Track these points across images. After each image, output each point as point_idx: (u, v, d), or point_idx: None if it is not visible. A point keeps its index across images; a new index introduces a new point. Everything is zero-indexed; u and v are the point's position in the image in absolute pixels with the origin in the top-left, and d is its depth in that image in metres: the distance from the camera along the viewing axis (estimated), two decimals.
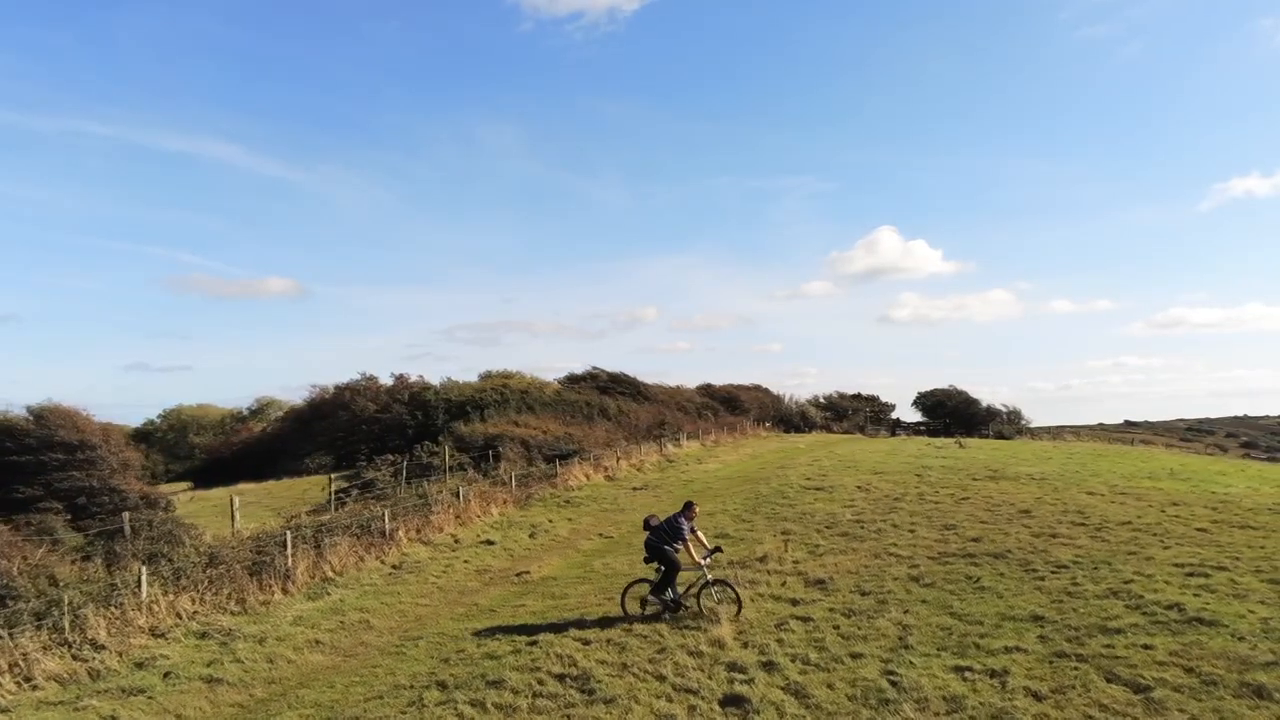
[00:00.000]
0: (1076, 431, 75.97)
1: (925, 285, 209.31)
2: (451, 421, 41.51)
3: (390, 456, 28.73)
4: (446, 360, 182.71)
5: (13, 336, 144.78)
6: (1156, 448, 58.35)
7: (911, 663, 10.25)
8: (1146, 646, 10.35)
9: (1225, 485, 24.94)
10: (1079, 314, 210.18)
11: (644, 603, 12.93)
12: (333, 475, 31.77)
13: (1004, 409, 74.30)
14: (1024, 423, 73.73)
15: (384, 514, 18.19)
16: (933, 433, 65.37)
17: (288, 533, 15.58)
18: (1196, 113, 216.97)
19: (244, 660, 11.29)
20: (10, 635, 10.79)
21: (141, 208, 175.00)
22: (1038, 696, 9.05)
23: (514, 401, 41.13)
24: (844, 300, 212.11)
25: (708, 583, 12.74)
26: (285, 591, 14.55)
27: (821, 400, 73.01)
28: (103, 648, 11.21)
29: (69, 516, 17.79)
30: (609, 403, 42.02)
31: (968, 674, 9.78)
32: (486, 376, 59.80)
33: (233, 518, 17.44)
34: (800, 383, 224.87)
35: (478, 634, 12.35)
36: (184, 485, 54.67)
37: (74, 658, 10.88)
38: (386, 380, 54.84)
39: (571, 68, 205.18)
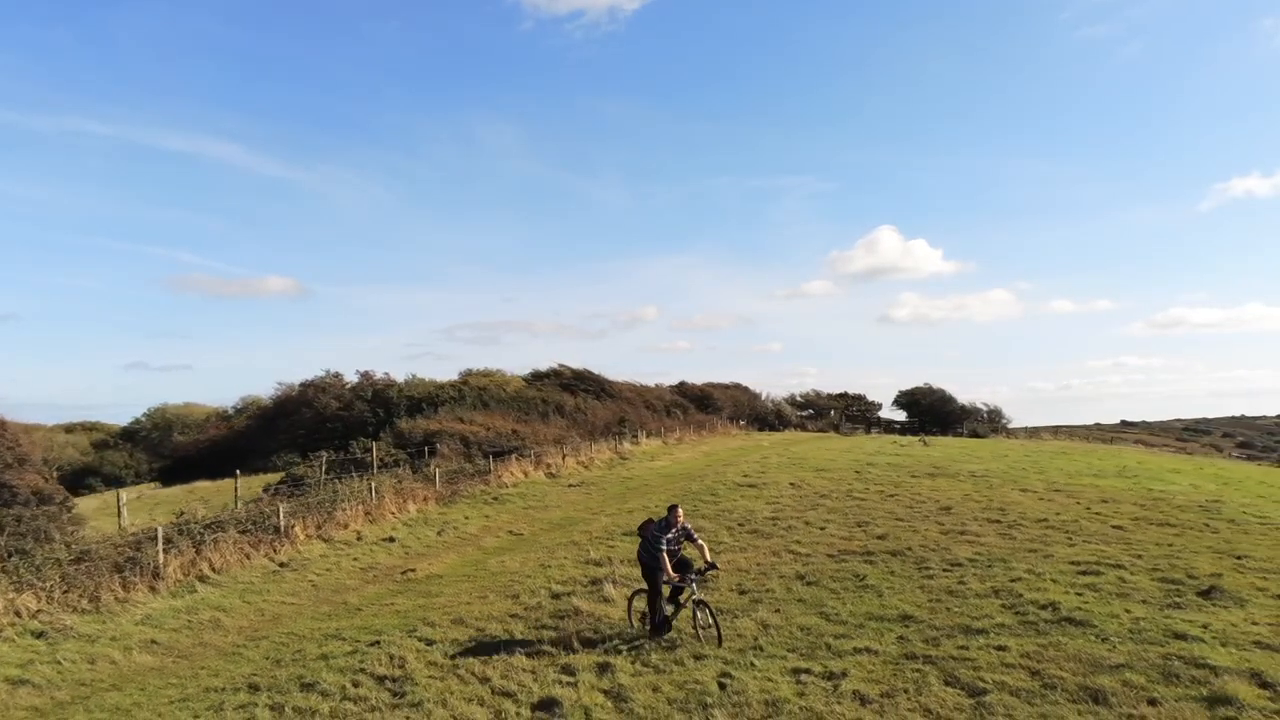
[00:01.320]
0: (1054, 430, 75.54)
1: (925, 285, 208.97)
2: (412, 418, 40.98)
3: (325, 453, 28.18)
4: (446, 359, 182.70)
5: (13, 336, 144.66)
6: (1129, 446, 57.90)
7: (753, 664, 9.72)
8: (1001, 648, 9.81)
9: (1169, 483, 24.45)
10: (1079, 314, 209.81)
11: (644, 617, 11.20)
12: (269, 475, 31.25)
13: (984, 408, 74.02)
14: (1004, 422, 73.38)
15: (279, 510, 17.64)
16: (908, 431, 64.90)
17: (159, 529, 15.03)
18: (1196, 113, 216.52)
19: (62, 661, 10.73)
20: None
21: (141, 207, 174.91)
22: (864, 700, 8.52)
23: (470, 399, 40.57)
24: (844, 300, 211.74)
25: (695, 602, 10.67)
26: (152, 589, 14.00)
27: (799, 399, 72.61)
28: None
29: None
30: (566, 400, 41.48)
31: (804, 676, 9.24)
32: (468, 374, 59.36)
33: (119, 514, 16.90)
34: (800, 382, 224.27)
35: (327, 634, 11.82)
36: (153, 484, 54.31)
37: None
38: (353, 377, 54.42)
39: (572, 67, 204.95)
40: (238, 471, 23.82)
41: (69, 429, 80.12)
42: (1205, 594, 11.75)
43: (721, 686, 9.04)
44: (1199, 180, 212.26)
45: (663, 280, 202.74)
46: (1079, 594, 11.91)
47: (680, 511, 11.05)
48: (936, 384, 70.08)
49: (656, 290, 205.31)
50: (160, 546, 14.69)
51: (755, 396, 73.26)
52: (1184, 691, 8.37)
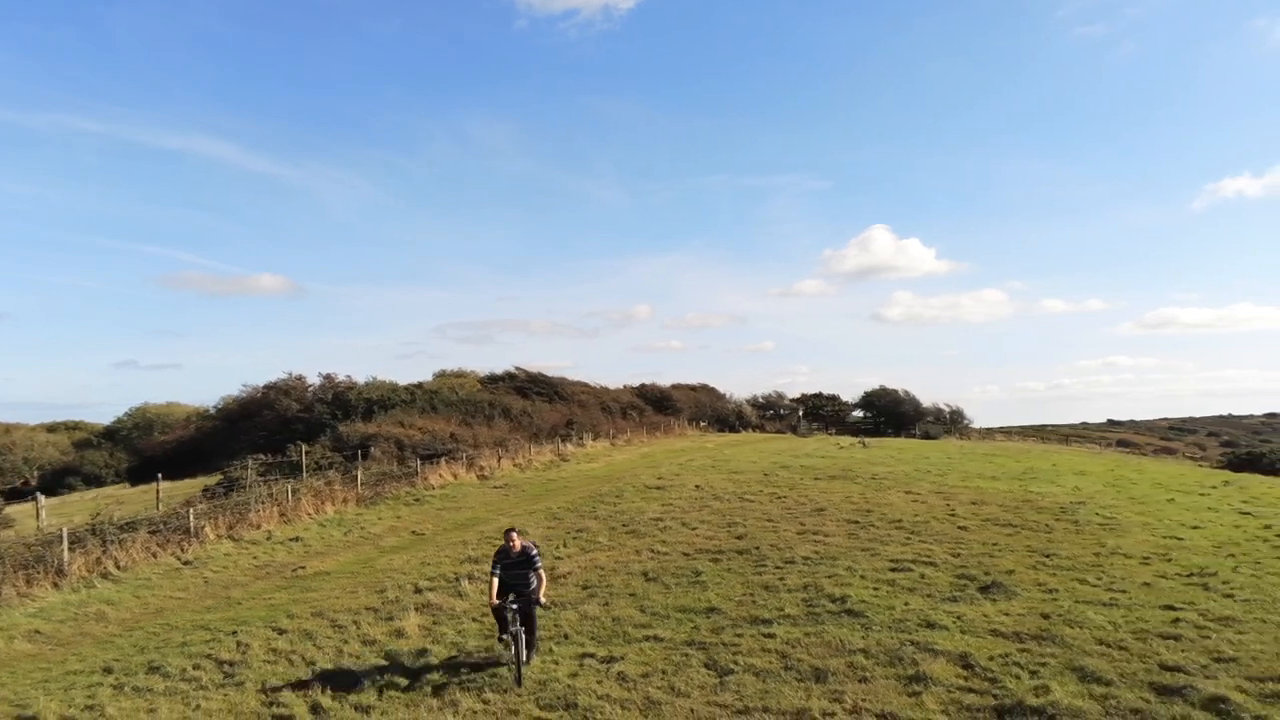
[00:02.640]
0: (1008, 432, 77.09)
1: (918, 284, 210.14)
2: (365, 421, 42.24)
3: (261, 455, 29.42)
4: (439, 358, 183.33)
5: (6, 334, 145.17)
6: (1077, 446, 59.44)
7: (551, 650, 11.06)
8: (769, 635, 11.18)
9: (1057, 485, 25.87)
10: (1071, 314, 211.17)
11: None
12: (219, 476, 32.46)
13: (946, 409, 75.63)
14: (965, 423, 74.95)
15: (189, 512, 18.91)
16: (864, 432, 66.35)
17: (64, 530, 16.29)
18: (1190, 113, 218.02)
19: None
20: None
21: (136, 205, 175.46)
22: (623, 679, 9.85)
23: (421, 402, 41.82)
24: (837, 299, 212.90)
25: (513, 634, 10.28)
26: (55, 585, 15.25)
27: (760, 400, 74.00)
28: None
29: None
30: (513, 403, 42.77)
31: (587, 660, 10.58)
32: (441, 375, 60.61)
33: (38, 516, 18.17)
34: (791, 381, 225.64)
35: (196, 625, 13.11)
36: (124, 484, 55.40)
37: None
38: (315, 379, 55.63)
39: (566, 66, 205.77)
40: (160, 475, 25.04)
41: (51, 428, 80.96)
42: (985, 589, 13.14)
43: (506, 666, 10.36)
44: (1192, 180, 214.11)
45: (656, 279, 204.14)
46: (875, 589, 13.27)
47: (515, 535, 10.73)
48: (892, 385, 71.70)
49: (650, 289, 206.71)
50: (65, 546, 15.94)
51: (719, 397, 74.72)
52: (894, 672, 9.74)
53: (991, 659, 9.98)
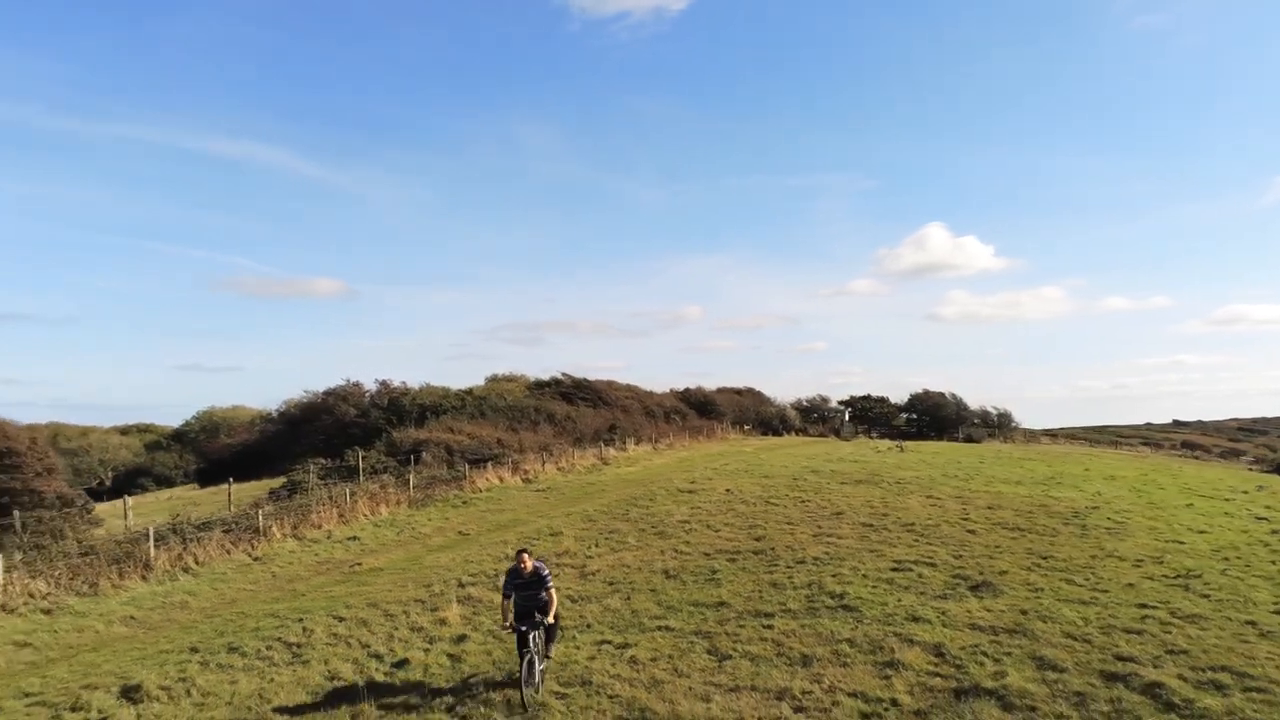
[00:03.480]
0: (1054, 435, 76.55)
1: (975, 282, 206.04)
2: (417, 426, 44.31)
3: (322, 460, 31.50)
4: (490, 360, 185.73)
5: (67, 339, 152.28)
6: (1113, 452, 59.14)
7: (574, 638, 12.53)
8: (769, 626, 12.52)
9: (1080, 489, 26.57)
10: (1135, 311, 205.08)
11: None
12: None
13: (994, 411, 75.53)
14: (1013, 425, 74.78)
15: (258, 513, 20.84)
16: (910, 436, 66.76)
17: (150, 529, 18.28)
18: (1256, 103, 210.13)
19: (59, 631, 13.96)
20: None
21: (193, 210, 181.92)
22: (634, 662, 11.28)
23: (470, 408, 43.75)
24: (890, 298, 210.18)
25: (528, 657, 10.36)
26: (143, 578, 17.20)
27: (805, 403, 74.76)
28: None
29: None
30: (557, 408, 44.44)
31: (604, 647, 12.03)
32: (492, 380, 62.86)
33: (125, 515, 20.24)
34: (844, 381, 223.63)
35: (266, 613, 14.86)
36: (193, 485, 58.58)
37: None
38: (372, 385, 58.10)
39: (613, 67, 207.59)
40: (230, 479, 27.13)
41: (124, 430, 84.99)
42: (975, 588, 14.28)
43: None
44: (1260, 173, 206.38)
45: (704, 279, 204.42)
46: (873, 587, 14.48)
47: (527, 555, 10.73)
48: (938, 388, 71.88)
49: (698, 289, 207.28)
50: (151, 543, 17.92)
51: (763, 401, 75.60)
52: (873, 659, 11.01)
53: (962, 649, 11.19)
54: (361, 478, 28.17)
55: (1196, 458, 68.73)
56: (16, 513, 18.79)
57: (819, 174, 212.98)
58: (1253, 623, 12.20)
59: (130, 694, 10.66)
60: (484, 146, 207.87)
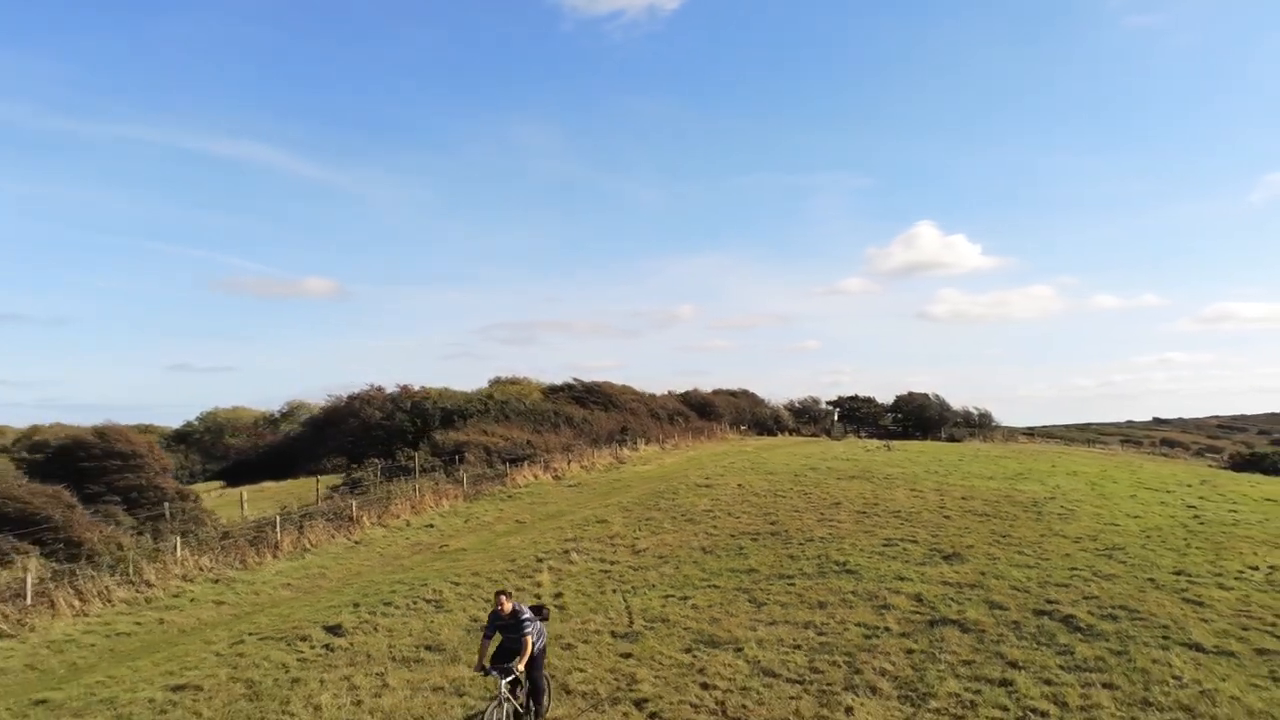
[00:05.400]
0: (1037, 433, 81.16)
1: (965, 281, 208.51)
2: (444, 428, 48.28)
3: (376, 460, 35.44)
4: (484, 360, 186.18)
5: (64, 338, 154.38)
6: (1083, 450, 63.69)
7: (646, 593, 16.62)
8: (791, 585, 16.65)
9: (1042, 483, 30.83)
10: (1124, 309, 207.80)
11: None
12: (325, 477, 38.68)
13: (975, 411, 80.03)
14: (992, 425, 79.27)
15: (352, 504, 24.82)
16: (896, 435, 71.15)
17: (277, 517, 22.24)
18: (1247, 103, 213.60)
19: (240, 594, 17.94)
20: (98, 577, 17.49)
21: (186, 210, 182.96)
22: (696, 607, 15.39)
23: (495, 411, 47.74)
24: (881, 297, 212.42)
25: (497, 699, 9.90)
26: (274, 556, 21.15)
27: (797, 404, 79.08)
28: (152, 585, 17.89)
29: (124, 506, 24.49)
30: (576, 412, 48.49)
31: (670, 599, 16.13)
32: (496, 383, 66.92)
33: (242, 507, 24.12)
34: (835, 380, 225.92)
35: (394, 581, 18.86)
36: (217, 484, 62.22)
37: (135, 590, 17.58)
38: (392, 389, 62.00)
39: (609, 66, 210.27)
40: (317, 478, 31.07)
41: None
42: (947, 557, 18.47)
43: (626, 604, 15.93)
44: (1249, 172, 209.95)
45: (699, 278, 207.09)
46: (869, 557, 18.65)
47: (505, 598, 10.36)
48: (921, 389, 76.35)
49: (693, 289, 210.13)
50: (279, 528, 21.89)
51: (758, 402, 79.90)
52: (871, 603, 15.18)
53: (935, 596, 15.37)
54: (417, 475, 32.14)
55: (1165, 455, 73.34)
56: (167, 505, 22.70)
57: (814, 172, 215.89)
58: (1152, 580, 16.42)
59: (334, 631, 14.69)
60: (482, 146, 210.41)
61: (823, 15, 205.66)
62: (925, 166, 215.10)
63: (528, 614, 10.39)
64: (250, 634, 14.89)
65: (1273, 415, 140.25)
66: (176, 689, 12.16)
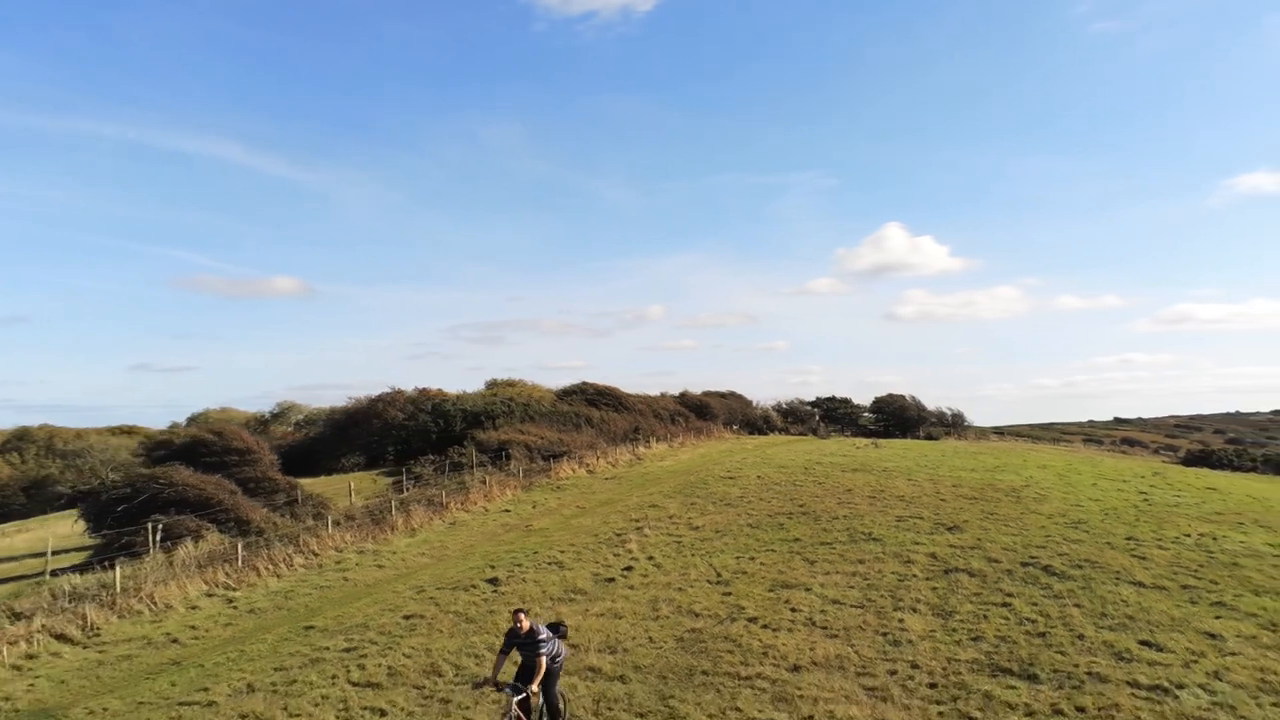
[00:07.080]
0: (1006, 431, 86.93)
1: (932, 282, 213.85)
2: (468, 429, 52.52)
3: (431, 457, 39.67)
4: (451, 359, 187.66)
5: (23, 338, 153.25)
6: (1051, 448, 69.35)
7: (720, 554, 21.22)
8: (832, 549, 21.35)
9: (1017, 474, 35.87)
10: (1087, 310, 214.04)
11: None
12: (375, 472, 42.85)
13: (948, 412, 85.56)
14: (965, 425, 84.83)
15: (443, 492, 29.17)
16: (875, 434, 76.41)
17: (392, 500, 26.53)
18: (1206, 109, 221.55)
19: (389, 560, 22.30)
20: (272, 548, 21.77)
21: (149, 208, 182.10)
22: (763, 564, 20.02)
23: (518, 412, 52.09)
24: (850, 298, 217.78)
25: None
26: (395, 533, 25.47)
27: (783, 405, 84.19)
28: (316, 554, 22.19)
29: (246, 495, 28.57)
30: (593, 413, 52.99)
31: (740, 559, 20.75)
32: (492, 384, 71.29)
33: (350, 495, 28.35)
34: (804, 380, 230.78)
35: (505, 552, 23.29)
36: None
37: (305, 558, 21.88)
38: (411, 391, 66.08)
39: (580, 67, 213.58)
40: (403, 470, 35.24)
41: (114, 432, 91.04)
42: (949, 529, 23.28)
43: (713, 567, 20.50)
44: (1208, 176, 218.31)
45: (668, 278, 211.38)
46: (888, 529, 23.41)
47: (523, 616, 10.38)
48: (899, 391, 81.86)
49: (662, 289, 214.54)
50: (394, 510, 26.20)
51: (747, 404, 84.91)
52: (897, 559, 19.91)
53: (946, 554, 20.15)
54: (474, 469, 36.48)
55: (1125, 452, 79.36)
56: (299, 492, 26.92)
57: (784, 172, 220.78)
58: (1109, 543, 21.32)
59: (493, 583, 19.16)
60: (450, 145, 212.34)
61: (793, 18, 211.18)
62: (894, 168, 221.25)
63: (544, 634, 10.44)
64: (425, 586, 19.31)
65: (1229, 415, 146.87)
66: (406, 618, 16.59)
